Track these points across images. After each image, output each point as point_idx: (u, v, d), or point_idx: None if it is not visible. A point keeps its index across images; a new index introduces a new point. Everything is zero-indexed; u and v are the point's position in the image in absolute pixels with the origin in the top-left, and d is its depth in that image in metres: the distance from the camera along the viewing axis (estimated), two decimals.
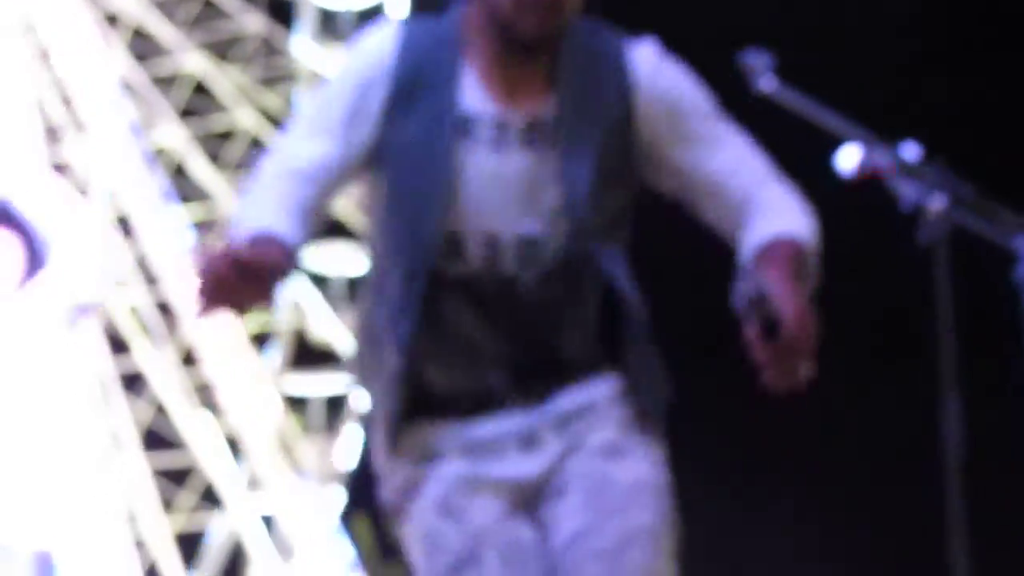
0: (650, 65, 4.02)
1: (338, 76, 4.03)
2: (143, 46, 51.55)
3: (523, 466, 3.94)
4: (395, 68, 3.92)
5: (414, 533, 3.97)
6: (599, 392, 4.02)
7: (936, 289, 6.01)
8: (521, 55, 3.93)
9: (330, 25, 51.21)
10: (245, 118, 50.83)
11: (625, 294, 4.02)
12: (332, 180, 3.95)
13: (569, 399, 3.98)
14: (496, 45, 3.93)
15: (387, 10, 50.03)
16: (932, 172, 5.82)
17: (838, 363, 4.11)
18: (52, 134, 50.45)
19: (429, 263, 3.87)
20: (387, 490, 4.08)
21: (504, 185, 3.89)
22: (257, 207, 3.89)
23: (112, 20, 51.43)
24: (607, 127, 3.94)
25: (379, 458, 4.13)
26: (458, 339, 3.94)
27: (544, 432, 3.96)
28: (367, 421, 4.13)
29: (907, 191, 5.81)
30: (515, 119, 3.92)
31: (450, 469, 3.91)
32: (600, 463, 3.93)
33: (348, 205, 51.37)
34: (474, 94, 3.91)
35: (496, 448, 3.94)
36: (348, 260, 51.26)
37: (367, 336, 4.11)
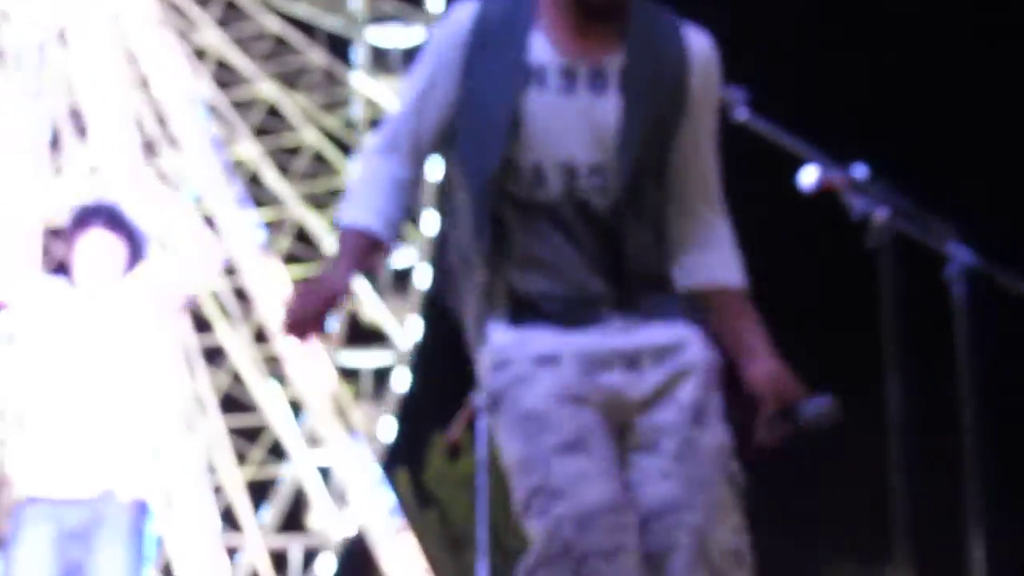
0: (705, 52, 3.98)
1: (427, 49, 4.03)
2: (225, 75, 51.51)
3: (628, 382, 3.86)
4: (471, 30, 3.91)
5: (519, 415, 3.80)
6: (687, 333, 3.95)
7: (880, 283, 6.03)
8: (592, 20, 3.87)
9: (381, 59, 51.15)
10: (309, 136, 50.77)
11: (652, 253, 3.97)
12: (425, 147, 3.97)
13: (663, 332, 3.91)
14: (570, 10, 3.88)
15: None
16: (878, 188, 5.83)
17: (804, 342, 4.04)
18: (150, 148, 50.42)
19: (493, 185, 3.84)
20: (496, 382, 3.86)
21: (573, 122, 3.84)
22: (358, 200, 3.95)
23: (200, 54, 51.41)
24: (663, 87, 3.89)
25: (486, 359, 3.95)
26: (550, 255, 3.87)
27: (645, 357, 3.87)
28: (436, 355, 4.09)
29: (857, 203, 5.82)
30: (581, 68, 3.87)
31: (568, 370, 3.80)
32: (688, 428, 3.85)
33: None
34: (544, 48, 3.87)
35: (605, 362, 3.84)
36: (394, 254, 51.31)
37: (457, 265, 4.03)
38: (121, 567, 6.42)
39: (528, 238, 3.87)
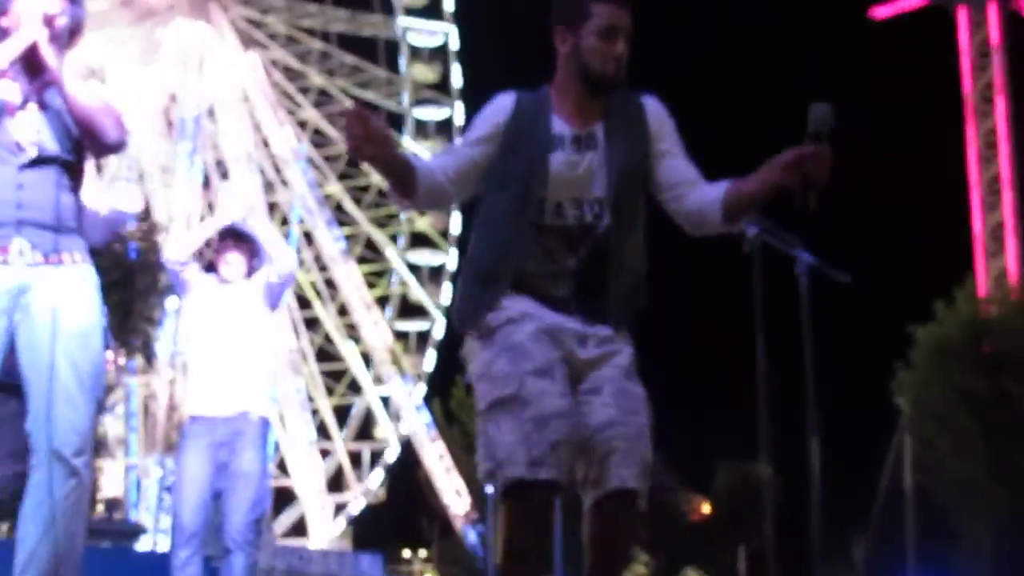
0: (656, 107, 3.96)
1: (482, 115, 3.93)
2: (318, 139, 51.52)
3: (578, 349, 3.79)
4: (511, 113, 3.88)
5: (507, 345, 3.74)
6: (622, 338, 3.88)
7: (752, 276, 6.03)
8: (597, 93, 3.86)
9: (422, 129, 51.12)
10: (375, 178, 50.75)
11: (640, 258, 3.95)
12: (460, 168, 3.86)
13: (607, 332, 3.83)
14: (580, 88, 3.86)
15: (455, 120, 50.02)
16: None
17: (704, 315, 3.92)
18: (270, 186, 50.40)
19: (533, 218, 3.78)
20: (493, 320, 3.79)
21: (578, 171, 3.81)
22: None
23: (302, 124, 51.38)
24: (635, 138, 3.88)
25: (489, 310, 3.83)
26: (554, 263, 3.80)
27: (591, 340, 3.81)
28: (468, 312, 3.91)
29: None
30: (583, 134, 3.84)
31: (541, 324, 3.75)
32: (622, 381, 3.82)
33: (435, 227, 51.44)
34: (559, 124, 3.84)
35: (560, 335, 3.77)
36: (429, 257, 51.36)
37: (478, 265, 3.93)
38: (254, 465, 6.44)
39: (541, 251, 3.81)
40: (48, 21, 4.05)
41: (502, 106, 3.92)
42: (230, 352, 6.54)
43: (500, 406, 3.70)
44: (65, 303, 3.98)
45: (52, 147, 4.06)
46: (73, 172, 4.14)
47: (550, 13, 3.96)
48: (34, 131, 4.05)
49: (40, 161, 4.04)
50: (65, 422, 3.92)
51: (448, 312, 4.04)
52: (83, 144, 4.14)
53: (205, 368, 6.66)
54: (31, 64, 4.06)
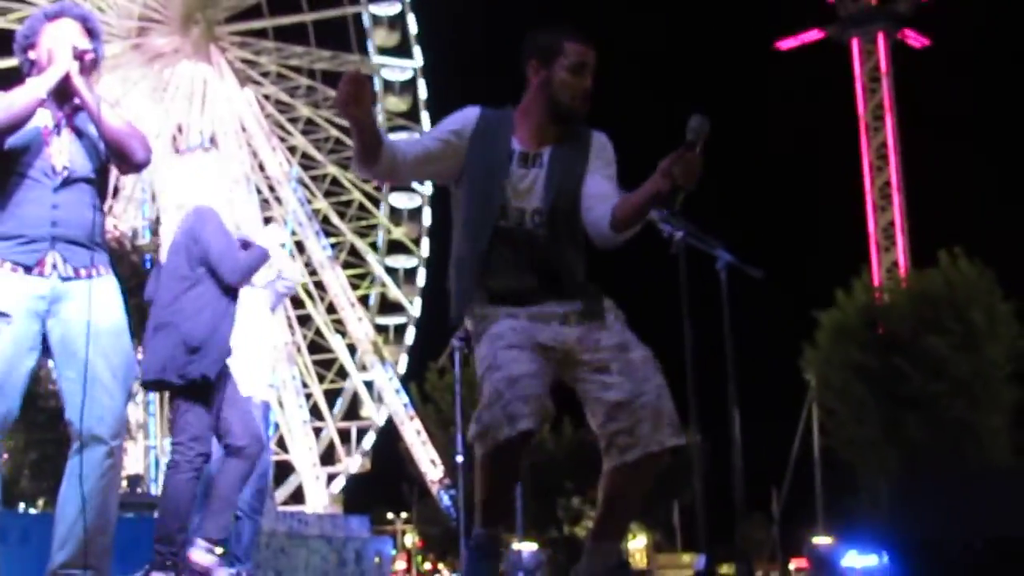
0: (600, 142, 3.86)
1: (449, 120, 3.87)
2: (306, 161, 51.29)
3: (562, 332, 3.69)
4: (476, 125, 3.82)
5: (489, 335, 3.68)
6: (600, 304, 3.79)
7: (679, 276, 6.06)
8: (559, 122, 3.81)
9: None
10: (356, 194, 50.70)
11: (580, 262, 3.84)
12: (422, 153, 3.78)
13: (585, 303, 3.75)
14: (543, 115, 3.81)
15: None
16: (676, 218, 5.83)
17: (641, 309, 3.90)
18: (265, 203, 50.17)
19: (493, 223, 3.73)
20: (478, 327, 3.75)
21: (525, 185, 3.76)
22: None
23: (292, 149, 51.13)
24: (575, 161, 3.80)
25: (469, 318, 3.81)
26: (508, 262, 3.73)
27: (572, 317, 3.71)
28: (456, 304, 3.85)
29: (665, 228, 5.84)
30: (531, 153, 3.78)
31: (522, 319, 3.67)
32: (623, 352, 3.69)
33: (409, 235, 51.34)
34: (515, 140, 3.79)
35: (546, 318, 3.70)
36: (404, 261, 51.28)
37: (459, 265, 3.84)
38: None
39: (497, 251, 3.75)
40: (79, 56, 4.03)
41: (468, 116, 3.86)
42: (241, 346, 6.38)
43: (483, 381, 3.64)
44: (97, 308, 3.96)
45: (83, 169, 4.03)
46: (101, 191, 4.12)
47: (523, 45, 3.89)
48: (67, 154, 4.02)
49: (72, 181, 4.00)
50: (103, 409, 3.89)
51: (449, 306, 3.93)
52: (109, 165, 4.13)
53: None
54: (63, 92, 4.04)
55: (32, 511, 26.00)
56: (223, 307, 5.62)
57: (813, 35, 58.44)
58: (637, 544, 50.14)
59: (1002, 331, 29.11)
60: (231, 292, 5.67)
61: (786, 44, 57.32)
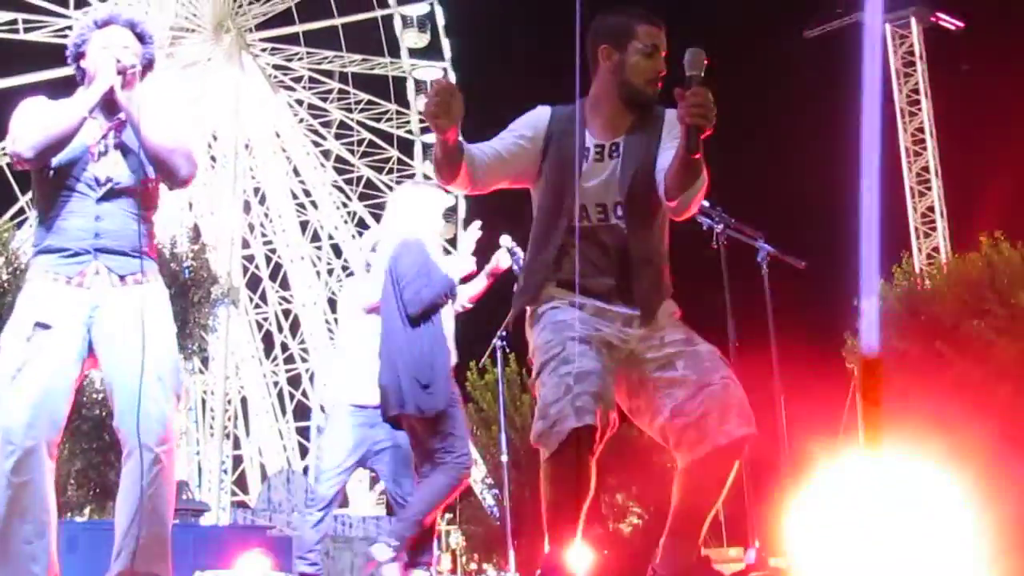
0: (670, 117, 3.68)
1: (521, 121, 3.80)
2: (340, 165, 51.47)
3: (624, 331, 3.63)
4: (549, 124, 3.74)
5: (552, 322, 3.59)
6: (663, 313, 3.70)
7: (721, 266, 6.05)
8: (632, 107, 3.73)
9: (429, 151, 51.06)
10: (390, 196, 50.80)
11: (661, 261, 3.78)
12: (494, 160, 3.70)
13: (649, 308, 3.64)
14: (616, 102, 3.72)
15: None
16: (717, 212, 5.84)
17: (687, 297, 3.85)
18: (301, 207, 50.36)
19: (565, 225, 3.64)
20: (540, 309, 3.66)
21: (603, 178, 3.67)
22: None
23: (326, 154, 51.29)
24: (647, 144, 3.71)
25: (537, 302, 3.69)
26: (586, 262, 3.62)
27: (634, 320, 3.63)
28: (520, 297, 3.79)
29: (705, 222, 5.85)
30: (607, 144, 3.70)
31: (583, 313, 3.58)
32: (688, 346, 3.62)
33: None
34: (590, 137, 3.70)
35: (610, 317, 3.62)
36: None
37: (529, 267, 3.78)
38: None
39: (583, 253, 3.66)
40: (122, 71, 4.04)
41: (540, 117, 3.80)
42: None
43: (544, 369, 3.56)
44: (143, 315, 3.98)
45: (126, 180, 4.05)
46: (147, 201, 4.13)
47: (592, 30, 3.81)
48: (111, 166, 4.05)
49: (116, 193, 4.03)
50: (148, 417, 3.90)
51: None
52: (155, 175, 4.13)
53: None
54: (108, 106, 4.06)
55: (78, 519, 26.26)
56: (431, 334, 5.82)
57: (844, 20, 58.00)
58: None
59: None
60: (423, 320, 5.83)
61: (813, 32, 56.96)
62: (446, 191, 3.72)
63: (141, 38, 4.21)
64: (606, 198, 3.69)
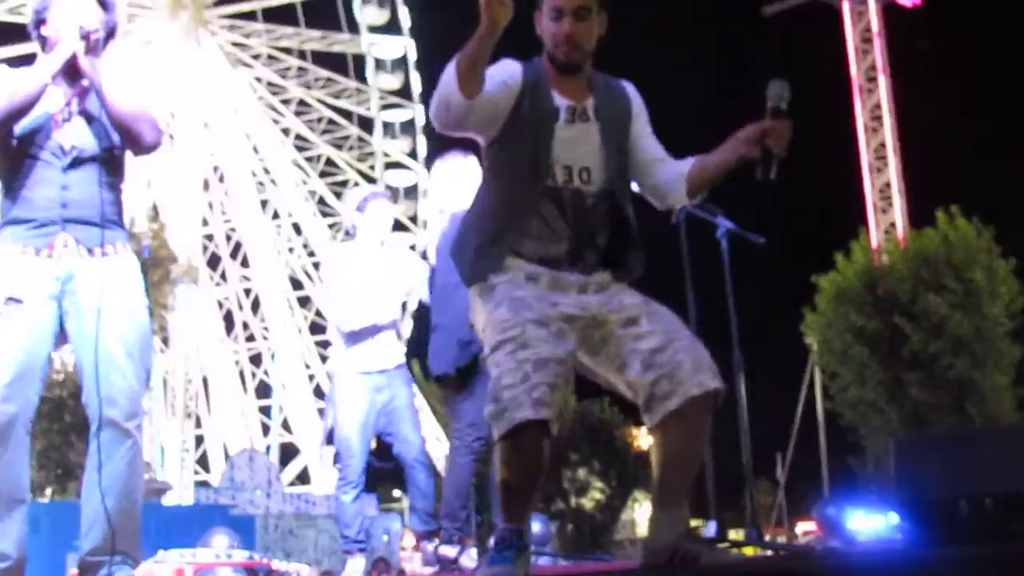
0: (637, 98, 3.75)
1: (498, 69, 3.58)
2: (300, 143, 51.16)
3: (582, 300, 3.55)
4: (522, 78, 3.60)
5: (510, 298, 3.50)
6: (618, 280, 3.66)
7: (680, 243, 6.07)
8: (566, 73, 3.64)
9: (390, 129, 50.93)
10: (350, 174, 50.59)
11: (631, 225, 3.70)
12: (489, 93, 3.51)
13: (603, 276, 3.61)
14: (554, 69, 3.64)
15: (417, 121, 49.86)
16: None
17: (643, 282, 3.82)
18: (261, 185, 50.10)
19: (542, 183, 3.56)
20: (494, 278, 3.55)
21: (573, 140, 3.59)
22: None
23: (286, 131, 50.96)
24: (621, 117, 3.69)
25: (493, 271, 3.57)
26: (545, 224, 3.57)
27: (591, 287, 3.58)
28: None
29: None
30: (577, 107, 3.62)
31: (538, 285, 3.52)
32: (646, 306, 3.58)
33: (406, 213, 51.33)
34: (555, 95, 3.61)
35: (564, 286, 3.55)
36: (403, 240, 51.22)
37: (481, 224, 3.66)
38: None
39: (541, 214, 3.60)
40: (85, 36, 3.97)
41: (513, 69, 3.66)
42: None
43: (500, 348, 3.48)
44: (110, 286, 3.92)
45: (92, 148, 3.99)
46: (114, 170, 4.07)
47: None
48: (76, 134, 3.98)
49: (82, 161, 3.97)
50: (116, 391, 3.86)
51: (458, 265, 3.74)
52: (122, 144, 4.08)
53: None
54: (71, 72, 4.00)
55: (40, 500, 26.08)
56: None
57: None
58: (644, 513, 50.32)
59: (1002, 289, 29.14)
60: None
61: (772, 9, 57.08)
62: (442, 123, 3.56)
63: (104, 6, 4.14)
64: (573, 161, 3.64)
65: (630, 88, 3.82)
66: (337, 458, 6.53)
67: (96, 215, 3.97)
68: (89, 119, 4.03)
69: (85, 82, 4.02)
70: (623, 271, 3.71)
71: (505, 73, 3.63)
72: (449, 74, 3.47)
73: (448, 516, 6.08)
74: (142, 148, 4.05)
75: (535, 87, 3.65)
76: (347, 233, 6.79)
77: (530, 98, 3.64)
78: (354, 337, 6.43)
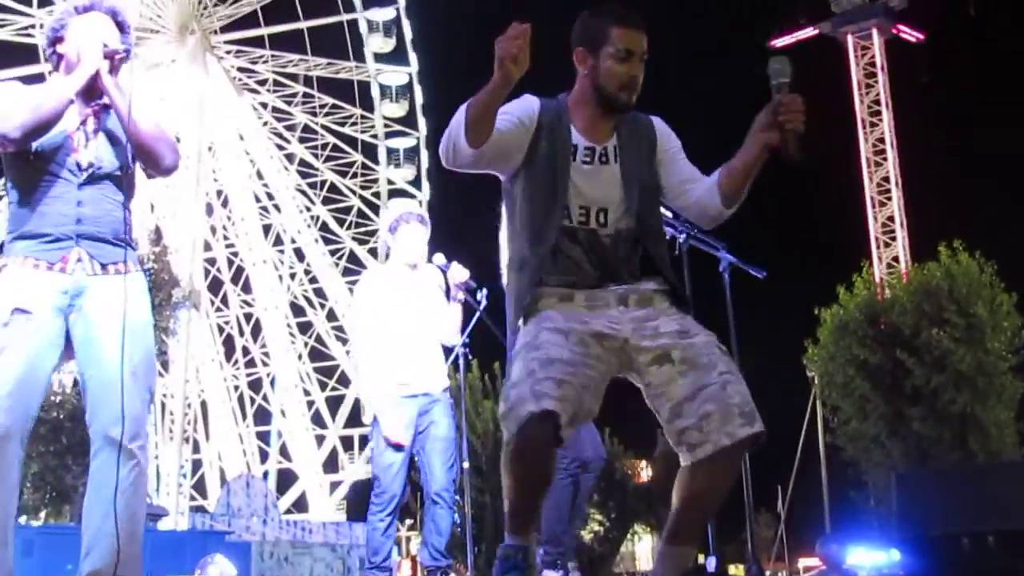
0: (663, 129, 3.71)
1: (515, 105, 3.59)
2: (304, 169, 51.27)
3: (617, 318, 3.52)
4: (539, 115, 3.59)
5: (538, 318, 3.47)
6: (658, 295, 3.62)
7: (682, 272, 6.06)
8: (611, 113, 3.62)
9: (393, 156, 51.04)
10: (354, 200, 50.67)
11: (664, 267, 3.64)
12: (501, 132, 3.47)
13: (648, 286, 3.60)
14: (595, 106, 3.61)
15: (422, 147, 50.00)
16: (678, 221, 5.84)
17: None
18: (264, 210, 50.16)
19: (559, 223, 3.52)
20: (529, 311, 3.52)
21: (591, 181, 3.57)
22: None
23: (290, 157, 51.07)
24: (644, 154, 3.65)
25: (521, 307, 3.54)
26: (570, 261, 3.54)
27: (631, 299, 3.55)
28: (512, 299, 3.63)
29: (667, 230, 5.85)
30: (599, 147, 3.61)
31: (571, 305, 3.51)
32: (681, 339, 3.49)
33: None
34: (576, 134, 3.59)
35: (603, 303, 3.54)
36: None
37: (519, 267, 3.60)
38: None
39: (565, 252, 3.58)
40: (110, 55, 3.98)
41: (531, 105, 3.65)
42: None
43: (516, 359, 3.45)
44: (119, 304, 3.89)
45: (109, 166, 4.00)
46: (126, 188, 4.07)
47: (572, 32, 3.71)
48: (93, 151, 3.99)
49: (97, 179, 3.97)
50: (120, 410, 3.80)
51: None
52: (135, 163, 4.07)
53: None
54: (91, 89, 4.00)
55: (34, 523, 25.99)
56: None
57: (807, 32, 58.50)
58: (643, 547, 50.10)
59: (1004, 324, 29.08)
60: None
61: (780, 41, 57.34)
62: (449, 165, 3.55)
63: (121, 27, 4.16)
64: (590, 202, 3.61)
65: (656, 121, 3.78)
66: (375, 483, 6.33)
67: (110, 232, 3.98)
68: (107, 135, 4.03)
69: (103, 100, 4.03)
70: (670, 288, 3.66)
71: (521, 110, 3.62)
72: (458, 119, 3.44)
73: (550, 541, 6.03)
74: (160, 170, 4.06)
75: (554, 125, 3.63)
76: (386, 256, 6.77)
77: (547, 136, 3.62)
78: (390, 360, 6.33)
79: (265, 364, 50.07)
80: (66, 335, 3.92)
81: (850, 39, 57.87)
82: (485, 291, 6.54)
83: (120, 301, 3.90)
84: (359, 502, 49.97)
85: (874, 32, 57.48)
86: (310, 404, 50.21)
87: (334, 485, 50.26)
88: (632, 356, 3.55)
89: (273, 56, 50.50)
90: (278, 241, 50.38)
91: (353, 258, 51.30)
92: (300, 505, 49.15)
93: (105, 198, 3.99)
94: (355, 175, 51.10)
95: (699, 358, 3.49)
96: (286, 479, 48.68)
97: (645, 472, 44.88)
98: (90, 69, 3.96)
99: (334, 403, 51.13)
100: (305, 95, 51.11)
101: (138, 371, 3.89)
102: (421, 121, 50.14)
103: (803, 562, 39.53)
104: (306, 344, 50.58)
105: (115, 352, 3.84)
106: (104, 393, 3.82)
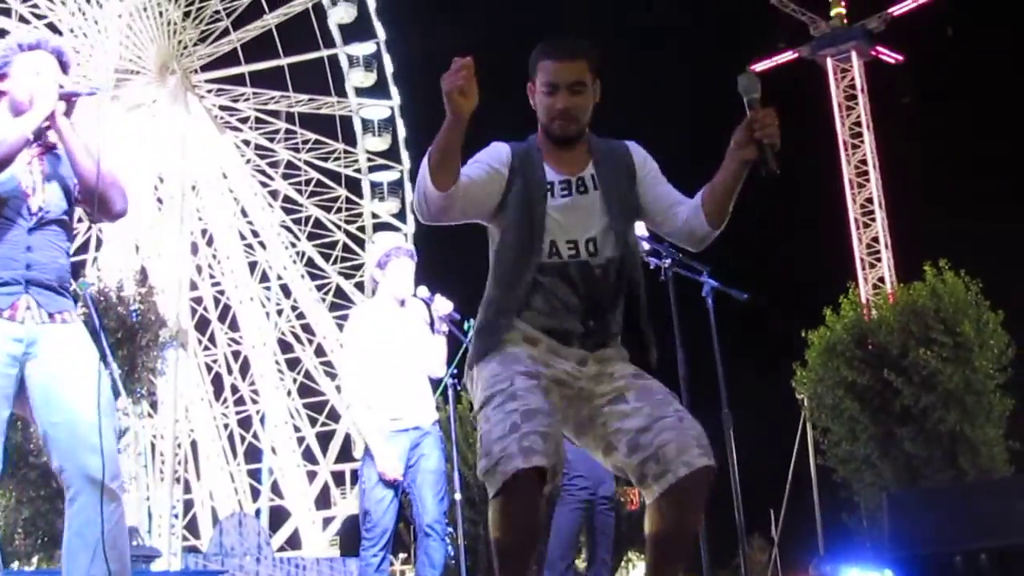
0: (640, 153, 3.69)
1: (486, 153, 3.60)
2: (288, 205, 51.24)
3: (577, 369, 3.53)
4: (510, 159, 3.57)
5: (504, 355, 3.46)
6: (620, 353, 3.60)
7: (667, 297, 6.08)
8: (564, 145, 3.59)
9: (377, 190, 51.06)
10: (339, 236, 50.63)
11: (640, 293, 3.68)
12: (474, 181, 3.46)
13: (606, 352, 3.56)
14: (549, 142, 3.60)
15: (406, 181, 50.03)
16: (663, 247, 5.87)
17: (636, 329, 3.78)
18: (249, 247, 50.07)
19: (537, 262, 3.52)
20: (493, 346, 3.51)
21: (572, 213, 3.55)
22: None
23: (274, 194, 51.05)
24: (623, 179, 3.64)
25: (501, 343, 3.54)
26: (554, 301, 3.53)
27: (591, 360, 3.54)
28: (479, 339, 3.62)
29: (652, 260, 5.89)
30: (573, 179, 3.58)
31: (536, 348, 3.48)
32: (639, 379, 3.51)
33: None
34: (549, 170, 3.57)
35: (563, 355, 3.51)
36: None
37: (488, 306, 3.61)
38: None
39: (550, 291, 3.56)
40: (66, 97, 3.93)
41: (501, 151, 3.65)
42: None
43: (489, 403, 3.42)
44: (74, 351, 3.88)
45: (57, 210, 3.95)
46: (68, 233, 4.02)
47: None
48: (41, 196, 3.93)
49: (46, 223, 3.92)
50: (97, 451, 3.79)
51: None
52: (76, 208, 4.02)
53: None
54: (37, 131, 3.93)
55: (27, 569, 25.79)
56: None
57: (787, 55, 58.87)
58: (636, 574, 49.88)
59: (991, 342, 29.17)
60: None
61: (761, 66, 57.67)
62: (424, 219, 3.56)
63: (64, 68, 4.10)
64: (577, 234, 3.60)
65: (632, 146, 3.78)
66: (365, 518, 6.32)
67: (55, 280, 3.94)
68: (53, 178, 3.97)
69: (51, 142, 3.98)
70: (633, 354, 3.67)
71: (491, 156, 3.62)
72: (423, 169, 3.42)
73: (549, 566, 6.11)
74: (110, 215, 4.01)
75: (526, 166, 3.61)
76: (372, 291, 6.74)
77: (521, 177, 3.60)
78: (382, 395, 6.35)
79: (254, 401, 49.88)
80: (20, 383, 3.85)
81: (830, 62, 58.28)
82: (472, 321, 6.55)
83: (73, 347, 3.89)
84: (352, 536, 49.78)
85: (853, 55, 57.91)
86: (300, 440, 50.00)
87: (327, 521, 50.00)
88: (588, 399, 3.56)
89: (254, 93, 50.60)
90: (264, 278, 50.30)
91: (340, 293, 51.28)
92: (293, 542, 48.89)
93: (52, 244, 3.93)
94: (339, 210, 51.13)
95: (654, 395, 3.52)
96: (278, 516, 48.46)
97: (638, 499, 44.75)
98: (46, 110, 3.88)
99: (324, 438, 50.98)
100: (287, 131, 51.18)
101: (106, 412, 3.86)
102: (404, 154, 50.23)
103: None
104: (295, 380, 50.46)
105: (83, 395, 3.82)
106: (76, 436, 3.79)
